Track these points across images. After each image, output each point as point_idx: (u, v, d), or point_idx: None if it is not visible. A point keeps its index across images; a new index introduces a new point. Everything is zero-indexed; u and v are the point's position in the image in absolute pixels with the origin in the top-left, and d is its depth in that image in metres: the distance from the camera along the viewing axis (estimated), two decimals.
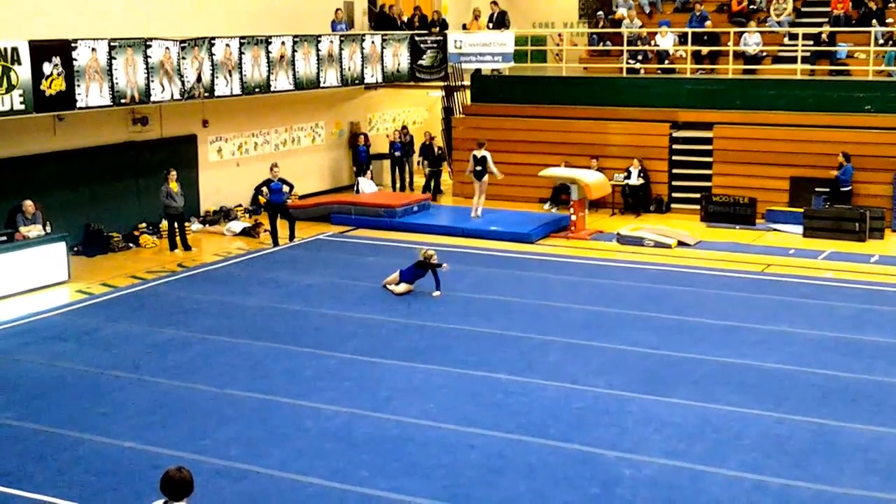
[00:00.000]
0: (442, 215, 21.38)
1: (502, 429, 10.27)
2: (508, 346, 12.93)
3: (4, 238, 15.80)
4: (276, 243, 18.87)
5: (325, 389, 11.40)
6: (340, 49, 22.36)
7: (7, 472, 9.35)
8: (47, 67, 16.12)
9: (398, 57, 24.10)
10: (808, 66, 21.94)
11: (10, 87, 15.59)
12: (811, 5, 24.55)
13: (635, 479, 9.18)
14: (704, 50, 23.10)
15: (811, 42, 22.16)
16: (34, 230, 16.30)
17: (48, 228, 16.51)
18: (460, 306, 14.72)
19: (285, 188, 18.92)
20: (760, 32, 22.90)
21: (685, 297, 15.25)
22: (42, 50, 16.04)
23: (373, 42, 23.39)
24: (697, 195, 21.23)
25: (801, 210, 19.71)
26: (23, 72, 15.74)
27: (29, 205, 16.44)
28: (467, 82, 24.84)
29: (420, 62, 24.54)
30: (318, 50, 21.71)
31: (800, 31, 22.23)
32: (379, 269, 16.84)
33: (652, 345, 12.90)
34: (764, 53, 22.81)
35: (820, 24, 22.75)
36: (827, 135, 20.34)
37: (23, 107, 15.82)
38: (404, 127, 25.48)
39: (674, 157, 21.95)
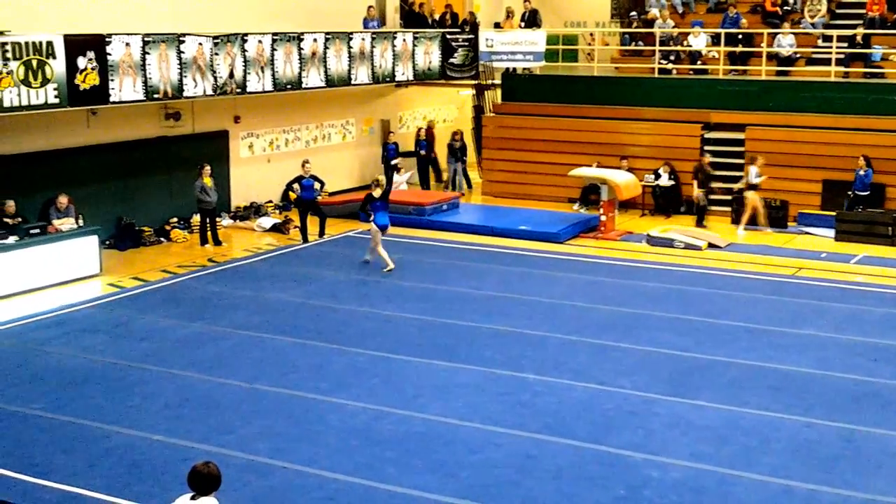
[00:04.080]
0: (471, 214, 21.36)
1: (529, 429, 10.26)
2: (535, 345, 12.92)
3: (38, 231, 15.94)
4: (305, 240, 18.94)
5: (352, 386, 11.44)
6: (372, 46, 22.41)
7: (36, 463, 9.45)
8: (81, 62, 16.26)
9: (429, 55, 24.12)
10: (842, 69, 21.77)
11: (45, 81, 15.74)
12: (846, 7, 24.36)
13: (662, 481, 9.15)
14: (738, 50, 22.94)
15: (845, 44, 21.97)
16: (67, 223, 16.45)
17: (80, 222, 16.66)
18: (488, 305, 14.72)
19: (316, 185, 18.97)
20: (794, 34, 22.73)
21: (715, 299, 15.17)
22: (77, 44, 16.19)
23: (404, 40, 23.42)
24: (729, 197, 21.11)
25: (834, 213, 19.57)
26: (57, 66, 15.89)
27: (62, 198, 16.60)
28: (498, 81, 24.81)
29: (451, 60, 24.54)
30: (349, 47, 21.77)
31: (834, 32, 22.06)
32: (407, 266, 16.88)
33: (680, 347, 12.84)
34: (797, 55, 22.64)
35: (854, 26, 22.56)
36: (860, 138, 20.16)
37: (57, 100, 15.98)
38: (430, 127, 25.45)
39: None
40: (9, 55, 15.15)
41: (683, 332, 13.45)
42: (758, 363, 12.27)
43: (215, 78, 18.68)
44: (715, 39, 23.19)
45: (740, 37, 23.18)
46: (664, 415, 10.68)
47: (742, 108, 21.60)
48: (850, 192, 19.75)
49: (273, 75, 19.95)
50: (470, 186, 24.78)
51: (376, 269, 16.73)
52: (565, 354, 12.60)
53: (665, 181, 21.52)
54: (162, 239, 19.18)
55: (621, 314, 14.33)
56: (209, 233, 18.81)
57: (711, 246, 18.64)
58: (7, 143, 16.78)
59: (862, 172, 19.52)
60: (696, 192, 20.31)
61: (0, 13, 16.20)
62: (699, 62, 23.25)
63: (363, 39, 22.21)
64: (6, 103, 15.23)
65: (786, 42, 22.52)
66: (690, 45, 23.40)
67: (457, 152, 24.22)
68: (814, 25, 23.30)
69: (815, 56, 22.65)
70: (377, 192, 16.79)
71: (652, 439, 10.05)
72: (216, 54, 18.60)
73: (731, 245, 18.80)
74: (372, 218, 16.76)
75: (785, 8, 24.27)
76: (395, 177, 23.23)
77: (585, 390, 11.36)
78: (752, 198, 19.85)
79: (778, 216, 20.08)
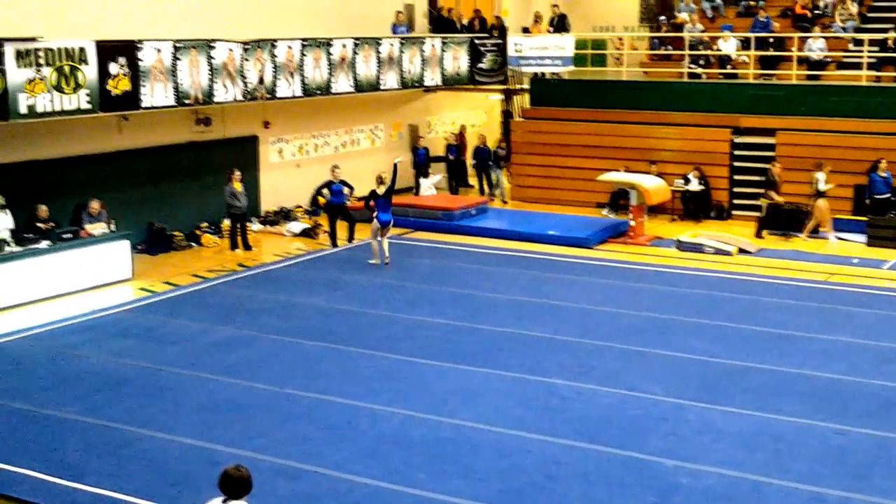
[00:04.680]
0: (500, 219, 21.36)
1: (558, 434, 10.25)
2: (564, 350, 12.89)
3: (70, 235, 16.09)
4: (334, 244, 19.00)
5: (381, 391, 11.46)
6: (401, 52, 22.47)
7: (70, 466, 9.53)
8: (113, 68, 16.42)
9: (458, 60, 24.16)
10: (873, 73, 21.60)
11: (78, 87, 15.89)
12: (877, 10, 24.17)
13: (692, 488, 9.10)
14: (768, 54, 22.79)
15: (877, 48, 21.80)
16: (99, 228, 16.59)
17: (112, 226, 16.79)
18: (517, 310, 14.71)
19: (345, 190, 19.03)
20: (825, 38, 22.59)
21: (745, 304, 15.08)
22: (108, 50, 16.34)
23: (433, 45, 23.47)
24: (759, 202, 20.99)
25: (866, 218, 19.40)
26: (90, 72, 16.05)
27: (94, 203, 16.74)
28: (527, 86, 24.80)
29: (480, 65, 24.57)
30: (378, 52, 21.84)
31: (865, 36, 21.90)
32: (437, 271, 16.92)
33: (710, 352, 12.79)
34: (828, 59, 22.49)
35: (886, 30, 22.37)
36: (892, 142, 20.00)
37: (89, 106, 16.14)
38: (461, 132, 25.46)
39: (735, 164, 21.73)
40: (42, 61, 15.31)
41: (714, 338, 13.38)
42: (789, 369, 12.19)
43: (245, 83, 18.80)
44: (745, 44, 23.08)
45: (770, 41, 23.06)
46: (694, 421, 10.63)
47: (772, 112, 21.50)
48: (867, 199, 19.60)
49: (302, 81, 20.05)
50: (493, 194, 24.69)
51: (404, 274, 16.77)
52: (594, 360, 12.57)
53: (695, 186, 21.44)
54: (192, 243, 19.31)
55: (651, 319, 14.28)
56: (239, 237, 18.91)
57: (742, 251, 18.54)
58: (40, 148, 16.95)
59: (883, 175, 19.35)
60: (764, 200, 19.90)
61: (33, 20, 16.38)
62: (729, 66, 23.15)
63: (392, 45, 22.28)
64: (39, 109, 15.40)
65: (816, 46, 22.38)
66: (720, 50, 23.30)
67: (500, 160, 24.04)
68: (844, 29, 23.14)
69: (845, 60, 22.49)
70: (381, 190, 17.31)
71: (682, 445, 10.01)
72: (246, 60, 18.72)
73: (761, 251, 18.68)
74: (375, 214, 17.31)
75: (815, 12, 24.12)
76: (423, 181, 23.27)
77: (615, 396, 11.33)
78: (821, 205, 19.51)
79: (808, 221, 19.92)
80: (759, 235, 19.71)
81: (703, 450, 9.90)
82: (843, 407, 11.02)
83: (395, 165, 17.76)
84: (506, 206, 23.27)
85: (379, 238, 17.37)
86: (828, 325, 14.05)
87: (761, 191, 20.13)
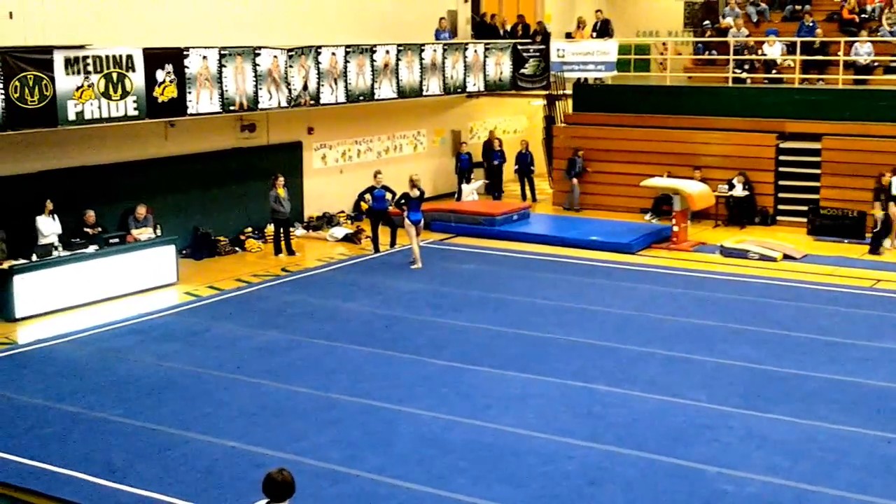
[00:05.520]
0: (541, 224, 21.34)
1: (600, 440, 10.21)
2: (607, 356, 12.84)
3: (117, 240, 16.29)
4: (377, 249, 19.07)
5: (423, 395, 11.48)
6: (443, 58, 22.52)
7: (116, 468, 9.64)
8: (160, 75, 16.61)
9: (500, 66, 24.16)
10: None
11: (125, 94, 16.10)
12: None
13: (736, 496, 9.03)
14: (814, 58, 22.57)
15: None
16: (145, 233, 16.79)
17: (158, 231, 16.98)
18: (559, 316, 14.67)
19: (388, 195, 19.10)
20: (872, 42, 22.33)
21: (790, 311, 14.93)
22: (155, 57, 16.54)
23: (475, 51, 23.50)
24: (804, 208, 20.79)
25: None
26: (137, 79, 16.25)
27: (141, 208, 16.95)
28: (569, 91, 24.75)
29: (522, 71, 24.55)
30: (421, 58, 21.91)
31: None
32: (479, 276, 16.92)
33: (755, 359, 12.67)
34: (875, 63, 22.23)
35: None
36: None
37: (136, 113, 16.34)
38: (490, 138, 25.40)
39: (780, 169, 21.52)
40: (90, 68, 15.53)
41: (758, 345, 13.27)
42: (834, 377, 12.06)
43: (290, 90, 18.94)
44: (790, 48, 22.88)
45: (816, 45, 22.83)
46: (739, 428, 10.54)
47: (818, 117, 21.25)
48: None
49: (346, 87, 20.17)
50: (535, 199, 24.61)
51: (447, 279, 16.80)
52: (637, 366, 12.51)
53: (739, 191, 21.26)
54: (237, 248, 19.46)
55: (694, 325, 14.19)
56: (283, 242, 19.04)
57: (787, 257, 18.36)
58: (88, 154, 17.18)
59: None
60: (878, 213, 18.99)
61: (82, 27, 16.62)
62: (774, 71, 22.95)
63: (435, 51, 22.34)
64: (87, 115, 15.62)
65: (863, 50, 22.13)
66: (765, 54, 23.10)
67: (576, 169, 23.54)
68: (892, 33, 22.84)
69: (893, 64, 22.20)
70: (413, 193, 17.83)
71: (726, 452, 9.93)
72: (291, 67, 18.86)
73: (806, 256, 18.50)
74: (405, 214, 17.75)
75: (862, 16, 23.85)
76: (464, 186, 23.29)
77: (658, 402, 11.26)
78: (893, 210, 18.86)
79: (854, 227, 19.66)
80: (876, 252, 18.73)
81: (747, 457, 9.82)
82: (890, 415, 10.87)
83: (422, 192, 18.06)
84: (546, 212, 23.22)
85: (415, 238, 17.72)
86: (875, 332, 13.87)
87: (854, 200, 19.43)
